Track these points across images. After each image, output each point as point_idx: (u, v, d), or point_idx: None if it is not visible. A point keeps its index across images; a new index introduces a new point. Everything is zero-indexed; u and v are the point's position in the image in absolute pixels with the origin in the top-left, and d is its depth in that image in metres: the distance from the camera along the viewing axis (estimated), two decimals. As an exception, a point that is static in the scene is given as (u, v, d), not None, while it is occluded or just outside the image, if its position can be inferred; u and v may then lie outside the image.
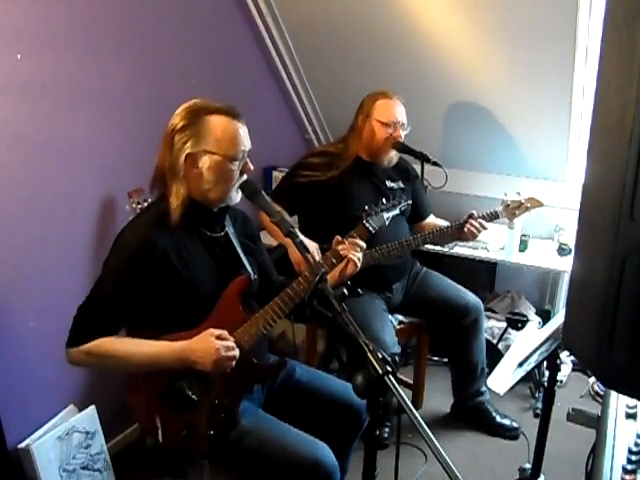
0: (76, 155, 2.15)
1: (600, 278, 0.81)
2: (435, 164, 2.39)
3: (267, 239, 2.49)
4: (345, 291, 1.39)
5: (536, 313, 3.09)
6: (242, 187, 1.62)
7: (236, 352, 1.52)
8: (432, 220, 2.67)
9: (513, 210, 2.46)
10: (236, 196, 1.63)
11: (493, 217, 2.45)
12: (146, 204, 2.21)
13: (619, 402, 1.46)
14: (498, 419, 2.61)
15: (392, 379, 1.11)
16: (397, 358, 2.35)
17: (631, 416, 1.42)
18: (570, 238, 2.84)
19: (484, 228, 2.38)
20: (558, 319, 1.60)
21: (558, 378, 1.74)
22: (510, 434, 2.58)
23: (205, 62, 2.70)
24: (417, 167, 2.49)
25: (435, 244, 2.62)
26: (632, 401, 1.43)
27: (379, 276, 2.40)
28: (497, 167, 3.12)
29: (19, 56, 1.90)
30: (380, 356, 1.14)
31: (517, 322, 2.71)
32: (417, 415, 1.05)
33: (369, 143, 2.41)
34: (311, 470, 1.57)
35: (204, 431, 1.58)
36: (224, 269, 1.66)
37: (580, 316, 0.88)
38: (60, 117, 2.07)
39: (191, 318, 1.57)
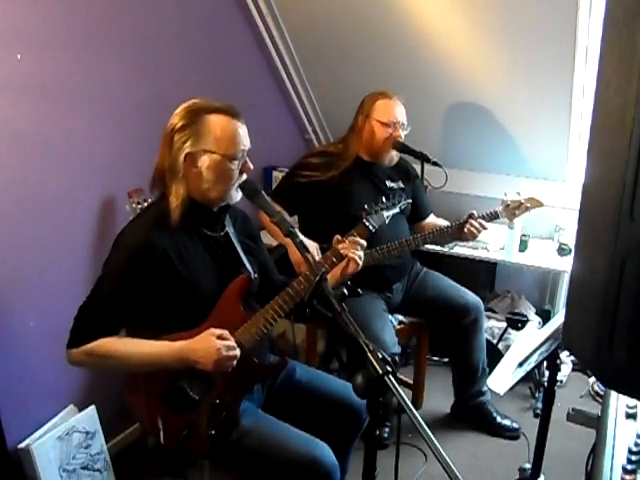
0: (76, 155, 2.15)
1: (600, 278, 0.81)
2: (435, 164, 2.39)
3: (267, 239, 2.48)
4: (345, 291, 1.39)
5: (536, 313, 3.09)
6: (242, 187, 1.62)
7: (237, 352, 1.52)
8: (432, 220, 2.67)
9: (513, 210, 2.46)
10: (236, 195, 1.63)
11: (493, 217, 2.45)
12: (146, 204, 2.21)
13: (619, 402, 1.46)
14: (499, 419, 2.61)
15: (392, 379, 1.11)
16: (397, 358, 2.35)
17: (631, 416, 1.42)
18: (570, 238, 2.84)
19: (484, 228, 2.39)
20: (558, 319, 1.60)
21: (558, 378, 1.74)
22: (510, 435, 2.58)
23: (205, 62, 2.70)
24: (417, 167, 2.49)
25: (435, 244, 2.62)
26: (632, 401, 1.43)
27: (379, 276, 2.40)
28: (497, 167, 3.12)
29: (19, 56, 1.89)
30: (380, 356, 1.14)
31: (517, 322, 2.71)
32: (417, 415, 1.05)
33: (369, 143, 2.41)
34: (311, 469, 1.57)
35: (205, 431, 1.58)
36: (224, 269, 1.66)
37: (580, 316, 0.88)
38: (60, 117, 2.07)
39: (191, 318, 1.57)
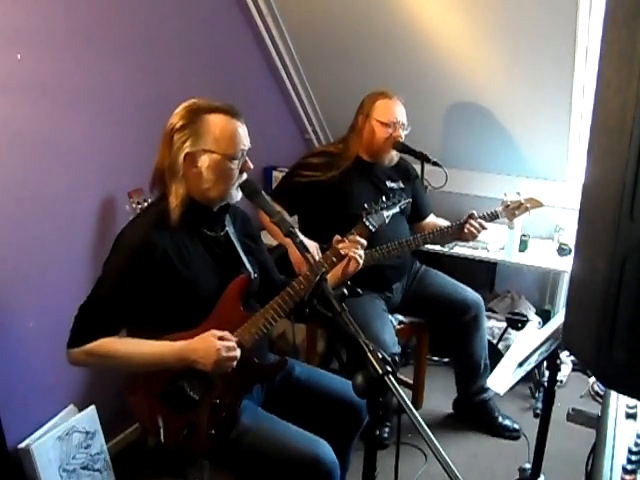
0: (76, 155, 2.15)
1: (600, 278, 0.81)
2: (435, 164, 2.39)
3: (267, 239, 2.48)
4: (345, 291, 1.39)
5: (536, 313, 3.09)
6: (242, 187, 1.62)
7: (237, 352, 1.52)
8: (432, 220, 2.68)
9: (513, 210, 2.46)
10: (236, 194, 1.63)
11: (493, 217, 2.45)
12: (146, 204, 2.21)
13: (619, 402, 1.46)
14: (500, 419, 2.61)
15: (392, 379, 1.11)
16: (397, 358, 2.35)
17: (631, 416, 1.42)
18: (570, 238, 2.84)
19: (484, 228, 2.39)
20: (558, 319, 1.60)
21: (558, 378, 1.74)
22: (511, 435, 2.58)
23: (205, 62, 2.70)
24: (417, 167, 2.49)
25: (435, 244, 2.62)
26: (632, 401, 1.43)
27: (379, 276, 2.40)
28: (497, 167, 3.12)
29: (19, 56, 1.89)
30: (380, 356, 1.14)
31: (517, 322, 2.71)
32: (417, 415, 1.05)
33: (369, 143, 2.41)
34: (311, 467, 1.57)
35: (205, 430, 1.58)
36: (224, 269, 1.66)
37: (580, 316, 0.88)
38: (60, 117, 2.07)
39: (191, 318, 1.57)
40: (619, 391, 1.16)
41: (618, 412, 1.43)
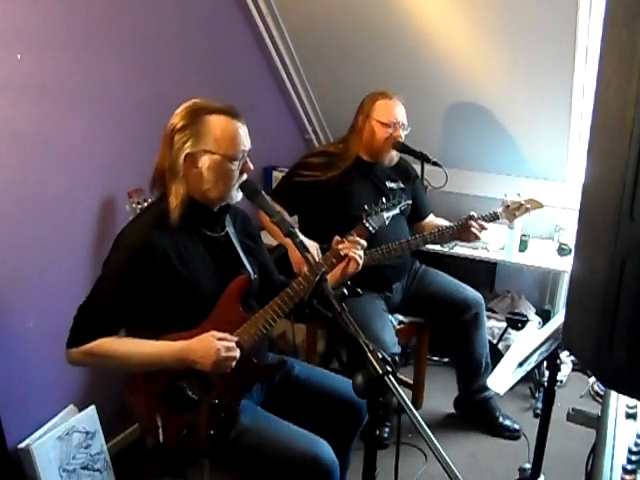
0: (76, 155, 2.15)
1: (600, 278, 0.81)
2: (435, 164, 2.39)
3: (267, 239, 2.48)
4: (345, 291, 1.39)
5: (536, 313, 3.09)
6: (242, 187, 1.62)
7: (236, 353, 1.52)
8: (432, 220, 2.68)
9: (513, 211, 2.46)
10: (236, 195, 1.63)
11: (493, 218, 2.45)
12: (146, 204, 2.21)
13: (619, 402, 1.46)
14: (500, 419, 2.61)
15: (392, 379, 1.11)
16: (397, 358, 2.35)
17: (631, 416, 1.42)
18: (570, 238, 2.84)
19: (484, 229, 2.39)
20: (558, 319, 1.60)
21: (558, 378, 1.74)
22: (511, 435, 2.58)
23: (205, 62, 2.70)
24: (417, 167, 2.49)
25: (435, 244, 2.62)
26: (632, 401, 1.43)
27: (379, 276, 2.40)
28: (497, 167, 3.12)
29: (19, 56, 1.89)
30: (380, 356, 1.14)
31: (517, 322, 2.71)
32: (417, 415, 1.05)
33: (369, 143, 2.41)
34: (310, 467, 1.57)
35: (204, 431, 1.58)
36: (224, 269, 1.66)
37: (580, 316, 0.88)
38: (60, 117, 2.07)
39: (191, 318, 1.57)
40: (619, 391, 1.16)
41: (618, 412, 1.43)
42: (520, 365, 1.53)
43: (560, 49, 2.45)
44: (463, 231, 2.36)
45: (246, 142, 1.59)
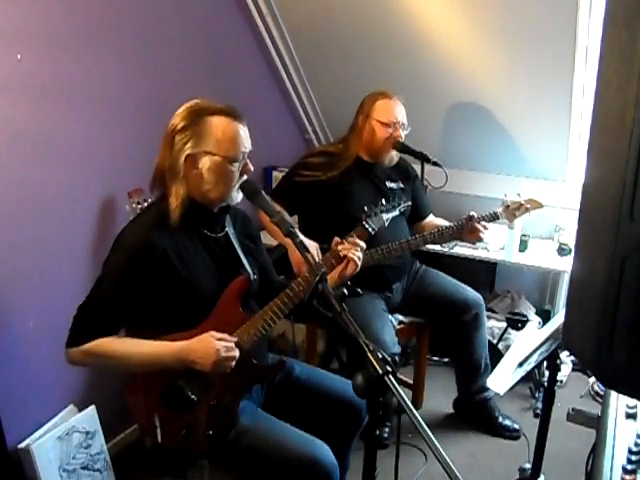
0: (76, 155, 2.15)
1: (600, 278, 0.81)
2: (435, 164, 2.39)
3: (267, 239, 2.48)
4: (345, 291, 1.39)
5: (536, 313, 3.09)
6: (242, 187, 1.62)
7: (236, 353, 1.52)
8: (432, 220, 2.68)
9: (513, 211, 2.46)
10: (237, 196, 1.62)
11: (493, 218, 2.44)
12: (146, 204, 2.21)
13: (619, 402, 1.46)
14: (500, 419, 2.61)
15: (392, 379, 1.11)
16: (397, 358, 2.35)
17: (631, 416, 1.42)
18: (570, 238, 2.84)
19: (485, 229, 2.39)
20: (558, 319, 1.60)
21: (558, 378, 1.74)
22: (511, 435, 2.58)
23: (205, 62, 2.70)
24: (417, 167, 2.49)
25: (435, 244, 2.62)
26: (632, 401, 1.43)
27: (379, 276, 2.40)
28: (497, 167, 3.12)
29: (19, 56, 1.89)
30: (380, 356, 1.14)
31: (517, 322, 2.71)
32: (417, 415, 1.05)
33: (369, 143, 2.41)
34: (310, 469, 1.57)
35: (203, 431, 1.58)
36: (224, 269, 1.66)
37: (580, 316, 0.88)
38: (60, 117, 2.07)
39: (191, 318, 1.57)
40: (619, 391, 1.16)
41: (618, 412, 1.43)
42: (520, 365, 1.53)
43: (560, 49, 2.45)
44: (463, 231, 2.36)
45: (247, 143, 1.59)
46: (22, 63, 1.91)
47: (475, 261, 2.93)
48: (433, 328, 2.68)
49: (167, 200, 1.58)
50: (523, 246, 2.89)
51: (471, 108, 2.94)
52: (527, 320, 2.78)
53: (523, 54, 2.58)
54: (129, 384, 1.64)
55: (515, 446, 2.53)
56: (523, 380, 1.63)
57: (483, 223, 2.36)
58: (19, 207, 1.99)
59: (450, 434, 2.61)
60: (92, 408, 2.26)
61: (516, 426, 2.59)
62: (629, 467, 1.23)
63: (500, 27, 2.54)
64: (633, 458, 1.25)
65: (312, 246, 2.31)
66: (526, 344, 1.58)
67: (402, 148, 2.41)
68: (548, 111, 2.74)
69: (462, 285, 2.59)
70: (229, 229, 1.71)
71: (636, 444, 1.28)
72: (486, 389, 2.63)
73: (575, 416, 1.77)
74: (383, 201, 1.91)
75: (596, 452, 1.35)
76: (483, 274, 3.21)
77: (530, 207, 2.46)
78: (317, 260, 1.72)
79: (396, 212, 1.95)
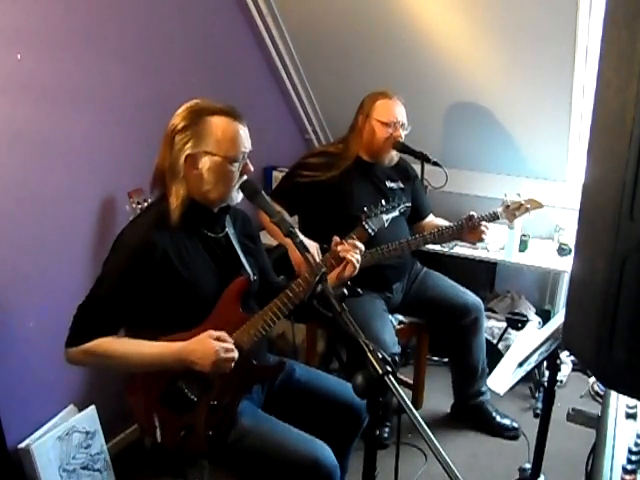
0: (76, 155, 2.15)
1: (600, 278, 0.81)
2: (435, 164, 2.39)
3: (267, 239, 2.49)
4: (345, 291, 1.39)
5: (536, 313, 3.09)
6: (242, 187, 1.62)
7: (235, 354, 1.51)
8: (432, 220, 2.68)
9: (513, 211, 2.46)
10: (237, 196, 1.62)
11: (493, 218, 2.44)
12: (146, 204, 2.21)
13: (619, 402, 1.46)
14: (498, 419, 2.61)
15: (392, 379, 1.11)
16: (397, 358, 2.35)
17: (631, 416, 1.41)
18: (570, 238, 2.84)
19: (487, 229, 2.39)
20: (558, 319, 1.60)
21: (558, 378, 1.74)
22: (510, 434, 2.58)
23: (205, 62, 2.70)
24: (417, 167, 2.49)
25: (435, 244, 2.63)
26: (632, 401, 1.43)
27: (379, 276, 2.40)
28: (497, 167, 3.12)
29: (19, 56, 1.89)
30: (380, 356, 1.14)
31: (517, 322, 2.71)
32: (417, 415, 1.05)
33: (369, 143, 2.41)
34: (311, 470, 1.57)
35: (203, 431, 1.58)
36: (224, 270, 1.66)
37: (580, 316, 0.88)
38: (60, 117, 2.07)
39: (191, 318, 1.57)
40: (619, 391, 1.16)
41: (618, 412, 1.43)
42: (520, 365, 1.53)
43: (560, 49, 2.45)
44: (463, 231, 2.36)
45: (247, 143, 1.59)
46: (22, 63, 1.91)
47: (475, 261, 2.93)
48: (433, 329, 2.68)
49: (167, 200, 1.58)
50: (523, 246, 2.89)
51: (471, 108, 2.94)
52: (527, 320, 2.78)
53: (523, 54, 2.58)
54: (129, 384, 1.64)
55: (515, 446, 2.53)
56: (523, 380, 1.63)
57: (484, 223, 2.36)
58: (19, 207, 1.99)
59: (450, 434, 2.61)
60: (92, 408, 2.26)
61: (515, 425, 2.59)
62: (629, 467, 1.23)
63: (500, 27, 2.54)
64: (633, 458, 1.25)
65: (312, 246, 2.31)
66: (526, 344, 1.58)
67: (402, 148, 2.41)
68: (548, 111, 2.74)
69: (462, 289, 2.58)
70: (229, 229, 1.71)
71: (636, 444, 1.28)
72: (482, 393, 2.64)
73: (575, 416, 1.77)
74: (383, 201, 1.91)
75: (596, 452, 1.35)
76: (483, 274, 3.22)
77: (530, 207, 2.46)
78: (317, 260, 1.72)
79: (396, 212, 1.94)
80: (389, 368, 1.12)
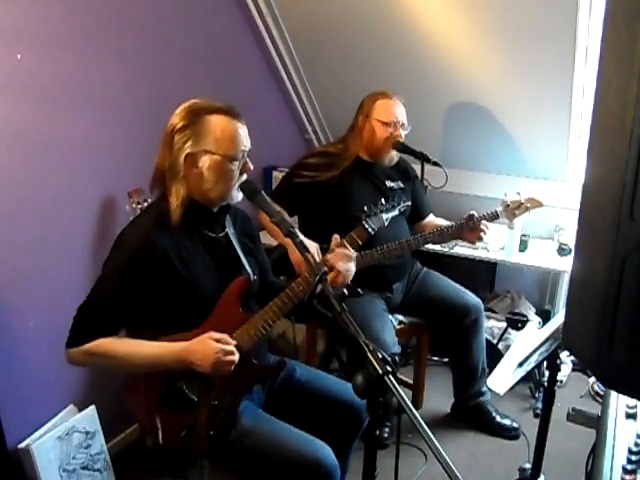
0: (76, 155, 2.15)
1: (600, 278, 0.81)
2: (435, 164, 2.39)
3: (267, 239, 2.49)
4: (345, 291, 1.39)
5: (536, 313, 3.09)
6: (242, 187, 1.62)
7: (235, 357, 1.51)
8: (432, 219, 2.68)
9: (513, 210, 2.46)
10: (237, 195, 1.62)
11: (493, 217, 2.44)
12: (146, 204, 2.21)
13: (619, 402, 1.46)
14: (498, 419, 2.61)
15: (392, 379, 1.11)
16: (397, 358, 2.35)
17: (631, 416, 1.41)
18: (570, 238, 2.84)
19: (487, 229, 2.39)
20: (558, 319, 1.60)
21: (558, 378, 1.74)
22: (510, 434, 2.58)
23: (205, 62, 2.71)
24: (417, 167, 2.49)
25: (435, 244, 2.63)
26: (632, 401, 1.43)
27: (379, 276, 2.40)
28: (497, 167, 3.12)
29: (19, 56, 1.89)
30: (380, 356, 1.14)
31: (517, 322, 2.71)
32: (417, 415, 1.05)
33: (369, 143, 2.41)
34: (311, 470, 1.57)
35: (204, 431, 1.58)
36: (224, 270, 1.66)
37: (580, 316, 0.88)
38: (60, 117, 2.07)
39: (191, 318, 1.57)
40: (619, 391, 1.15)
41: (618, 412, 1.43)
42: (520, 365, 1.53)
43: (560, 49, 2.45)
44: (464, 231, 2.36)
45: (246, 142, 1.59)
46: (22, 63, 1.91)
47: (475, 261, 2.93)
48: (433, 329, 2.68)
49: (167, 200, 1.58)
50: (523, 246, 2.89)
51: (471, 108, 2.93)
52: (527, 320, 2.78)
53: (523, 54, 2.58)
54: (129, 384, 1.64)
55: (515, 446, 2.53)
56: (523, 380, 1.63)
57: (484, 222, 2.36)
58: (19, 207, 1.99)
59: (450, 434, 2.61)
60: (92, 408, 2.26)
61: (515, 425, 2.59)
62: (629, 467, 1.23)
63: (500, 27, 2.54)
64: (633, 458, 1.25)
65: (312, 246, 2.30)
66: (526, 344, 1.58)
67: (402, 148, 2.41)
68: (548, 111, 2.74)
69: (462, 289, 2.58)
70: (229, 229, 1.71)
71: (636, 444, 1.28)
72: (482, 393, 2.64)
73: (575, 416, 1.77)
74: (383, 201, 1.91)
75: (596, 452, 1.35)
76: (483, 274, 3.22)
77: (530, 206, 2.46)
78: (317, 260, 1.72)
79: (396, 212, 1.95)
80: (389, 368, 1.12)
